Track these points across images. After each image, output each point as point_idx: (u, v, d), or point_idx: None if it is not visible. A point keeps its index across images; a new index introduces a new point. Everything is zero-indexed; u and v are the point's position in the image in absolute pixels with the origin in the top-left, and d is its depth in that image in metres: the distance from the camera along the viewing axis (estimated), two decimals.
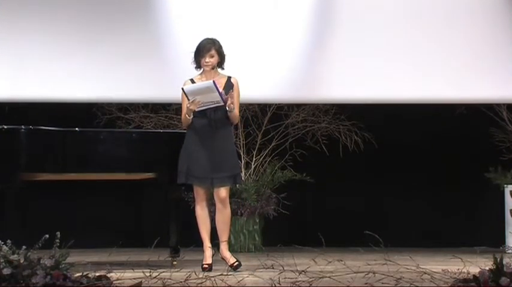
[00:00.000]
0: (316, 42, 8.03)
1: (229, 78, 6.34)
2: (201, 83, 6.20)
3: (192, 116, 6.22)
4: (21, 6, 7.88)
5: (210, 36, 6.31)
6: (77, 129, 6.26)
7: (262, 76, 7.84)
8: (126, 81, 7.83)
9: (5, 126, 6.06)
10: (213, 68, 6.28)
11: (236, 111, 6.27)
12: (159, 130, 6.53)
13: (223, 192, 6.26)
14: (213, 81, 6.08)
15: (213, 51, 6.25)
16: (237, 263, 6.24)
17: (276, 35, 8.01)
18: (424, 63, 7.96)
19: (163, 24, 7.99)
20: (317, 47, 8.01)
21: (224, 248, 6.31)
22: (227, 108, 6.19)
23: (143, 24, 7.93)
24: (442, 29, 8.00)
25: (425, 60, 7.95)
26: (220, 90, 6.13)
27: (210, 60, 6.25)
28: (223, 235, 6.32)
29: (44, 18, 7.89)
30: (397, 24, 7.99)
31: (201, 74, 6.35)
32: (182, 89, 6.16)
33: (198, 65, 6.33)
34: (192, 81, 6.33)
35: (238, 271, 6.05)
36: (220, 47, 6.29)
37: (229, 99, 6.15)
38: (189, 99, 6.14)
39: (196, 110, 6.19)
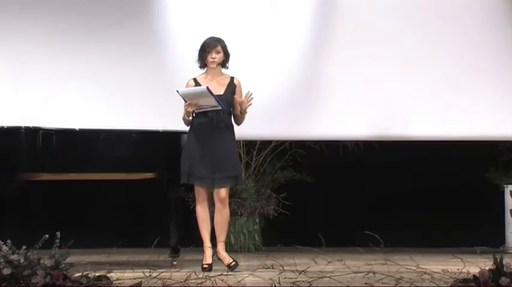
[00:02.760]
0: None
1: (232, 78, 6.36)
2: (195, 88, 6.23)
3: (191, 117, 6.25)
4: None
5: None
6: (77, 129, 6.26)
7: (261, 80, 7.84)
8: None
9: (5, 126, 6.06)
10: (218, 65, 6.29)
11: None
12: (159, 130, 6.51)
13: (223, 192, 6.26)
14: (207, 87, 6.10)
15: (219, 48, 6.29)
16: (234, 263, 6.25)
17: (276, 36, 8.01)
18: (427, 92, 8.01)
19: (160, 28, 8.01)
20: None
21: (221, 248, 6.32)
22: (240, 111, 6.23)
23: (141, 30, 7.95)
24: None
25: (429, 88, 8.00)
26: (220, 92, 6.15)
27: (216, 56, 6.28)
28: (221, 235, 6.33)
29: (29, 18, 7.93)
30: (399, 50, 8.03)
31: (205, 73, 6.36)
32: (177, 91, 6.18)
33: (203, 64, 6.35)
34: (195, 80, 6.35)
35: (238, 271, 6.05)
36: (225, 45, 6.33)
37: (243, 103, 6.19)
38: (186, 101, 6.17)
39: (196, 111, 6.22)
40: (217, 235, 6.33)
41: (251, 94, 6.22)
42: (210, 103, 6.14)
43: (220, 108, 6.18)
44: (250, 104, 6.24)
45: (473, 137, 7.97)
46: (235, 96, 6.30)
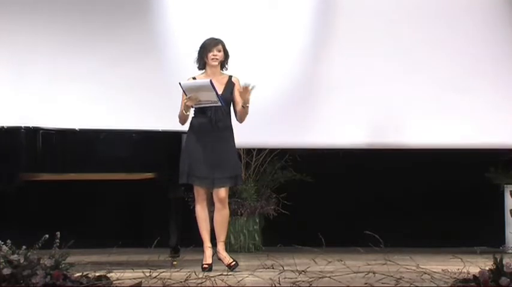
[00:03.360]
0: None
1: (230, 77, 6.37)
2: (198, 81, 6.24)
3: (189, 112, 6.24)
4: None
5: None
6: (77, 129, 6.26)
7: (261, 80, 7.83)
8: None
9: (5, 126, 6.06)
10: (219, 64, 6.29)
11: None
12: (159, 130, 6.51)
13: (222, 192, 6.26)
14: (210, 81, 6.10)
15: (220, 46, 6.31)
16: (234, 263, 6.25)
17: (276, 37, 8.01)
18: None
19: (160, 29, 8.01)
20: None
21: (221, 248, 6.32)
22: (242, 105, 6.21)
23: (141, 30, 7.95)
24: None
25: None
26: (219, 91, 6.16)
27: (217, 53, 6.29)
28: (221, 235, 6.33)
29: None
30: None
31: (204, 73, 6.36)
32: (180, 83, 6.18)
33: (202, 64, 6.35)
34: (195, 79, 6.34)
35: (238, 271, 6.05)
36: (225, 46, 6.34)
37: (244, 94, 6.14)
38: (186, 95, 6.17)
39: (194, 106, 6.22)
40: (217, 235, 6.34)
41: (250, 85, 6.13)
42: (211, 98, 6.14)
43: (220, 104, 6.17)
44: (250, 92, 6.15)
45: (474, 145, 7.96)
46: (236, 89, 6.29)
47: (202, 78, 6.32)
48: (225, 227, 6.35)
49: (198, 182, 6.27)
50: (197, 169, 6.23)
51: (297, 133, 7.99)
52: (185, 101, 6.18)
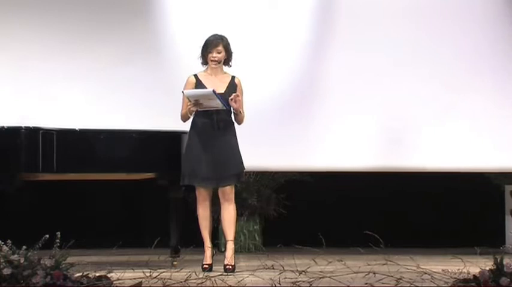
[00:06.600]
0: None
1: (233, 77, 6.36)
2: (201, 90, 6.22)
3: (193, 115, 6.25)
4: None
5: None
6: (77, 129, 6.26)
7: (260, 80, 7.83)
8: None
9: (5, 126, 6.06)
10: (219, 63, 6.29)
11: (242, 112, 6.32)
12: (159, 130, 6.51)
13: (228, 190, 6.26)
14: (213, 91, 6.10)
15: (220, 47, 6.28)
16: (230, 267, 6.15)
17: (276, 36, 8.00)
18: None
19: (160, 29, 8.01)
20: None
21: (229, 247, 6.25)
22: (234, 111, 6.23)
23: (141, 30, 7.95)
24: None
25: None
26: (221, 90, 6.17)
27: (217, 55, 6.27)
28: (229, 234, 6.28)
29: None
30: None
31: (206, 70, 6.36)
32: (182, 92, 6.20)
33: (205, 61, 6.35)
34: (196, 76, 6.35)
35: (238, 271, 6.05)
36: (228, 44, 6.32)
37: (234, 102, 6.17)
38: (190, 101, 6.17)
39: (199, 110, 6.22)
40: (225, 233, 6.29)
41: (236, 95, 6.20)
42: (215, 105, 6.16)
43: (224, 108, 6.19)
44: (237, 100, 6.19)
45: (476, 168, 7.96)
46: (238, 90, 6.30)
47: (204, 76, 6.33)
48: (232, 225, 6.26)
49: (202, 183, 6.25)
50: (200, 170, 6.22)
51: (298, 130, 7.97)
52: (189, 106, 6.18)
